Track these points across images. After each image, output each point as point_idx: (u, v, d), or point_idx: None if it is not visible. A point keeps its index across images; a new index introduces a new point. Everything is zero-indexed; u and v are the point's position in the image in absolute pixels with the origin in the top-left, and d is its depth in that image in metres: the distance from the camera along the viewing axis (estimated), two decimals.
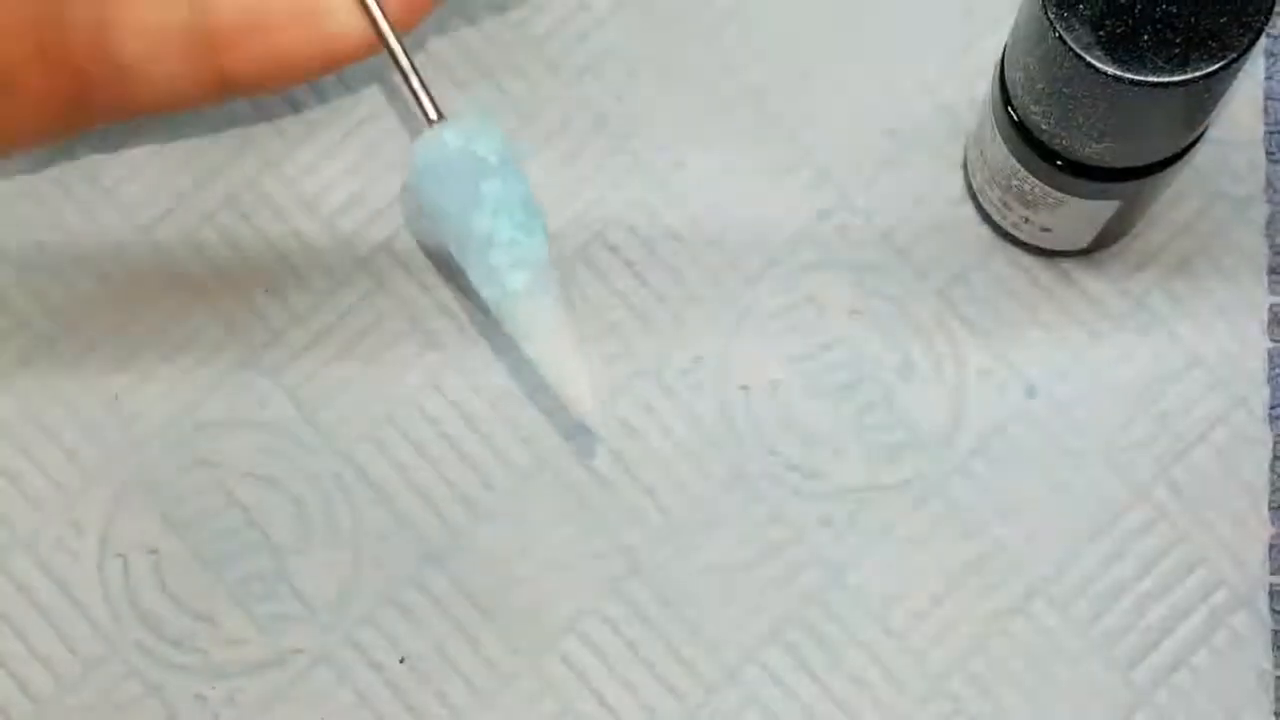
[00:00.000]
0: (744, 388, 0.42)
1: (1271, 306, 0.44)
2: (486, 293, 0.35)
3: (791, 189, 0.44)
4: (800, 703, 0.41)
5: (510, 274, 0.35)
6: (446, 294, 0.42)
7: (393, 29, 0.35)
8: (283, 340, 0.42)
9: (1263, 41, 0.45)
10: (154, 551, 0.41)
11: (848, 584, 0.41)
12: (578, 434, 0.42)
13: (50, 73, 0.35)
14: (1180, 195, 0.44)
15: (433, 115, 0.35)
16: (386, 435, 0.42)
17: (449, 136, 0.35)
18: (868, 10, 0.45)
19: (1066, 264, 0.43)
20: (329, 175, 0.43)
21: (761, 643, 0.41)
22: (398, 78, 0.35)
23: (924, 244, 0.43)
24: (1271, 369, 0.43)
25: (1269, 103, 0.45)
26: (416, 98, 0.35)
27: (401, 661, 0.41)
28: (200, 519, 0.41)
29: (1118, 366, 0.43)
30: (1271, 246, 0.44)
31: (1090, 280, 0.43)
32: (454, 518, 0.41)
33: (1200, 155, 0.44)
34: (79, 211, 0.43)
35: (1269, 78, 0.45)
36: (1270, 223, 0.44)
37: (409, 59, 0.35)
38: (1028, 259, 0.43)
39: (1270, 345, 0.43)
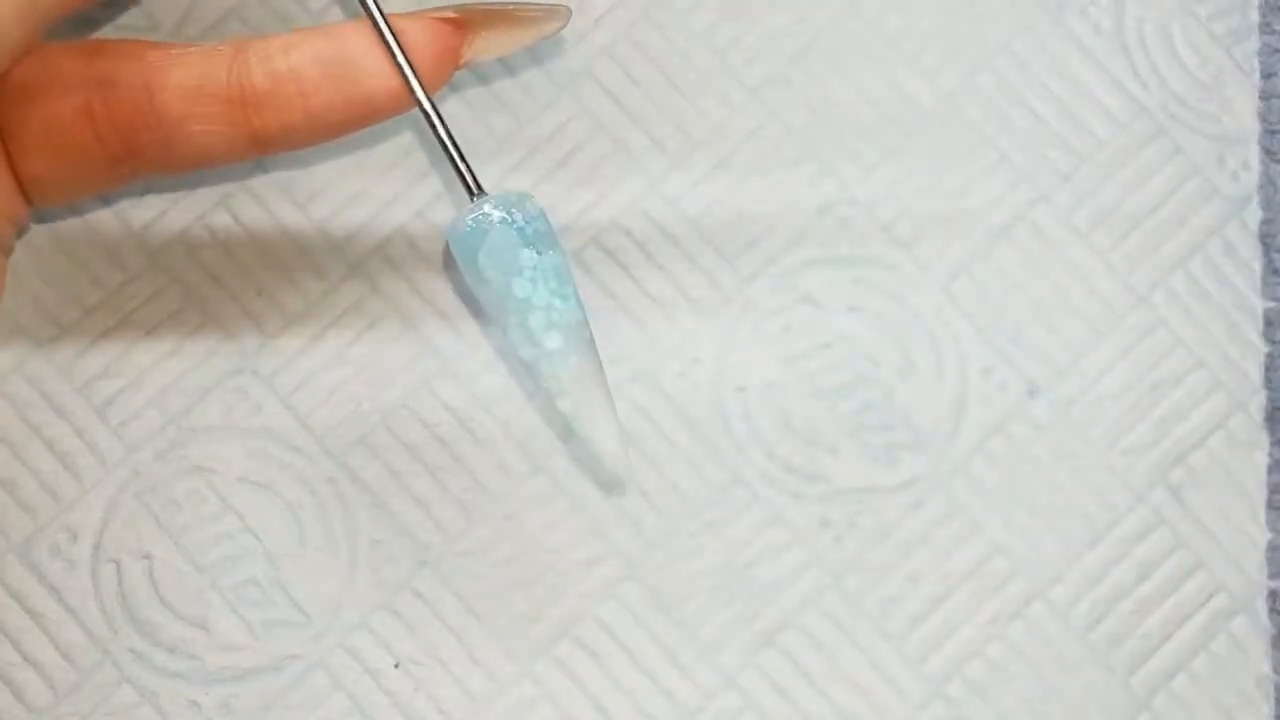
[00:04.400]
0: (741, 389, 0.42)
1: (1266, 310, 0.43)
2: (523, 352, 0.38)
3: (790, 184, 0.43)
4: (798, 707, 0.41)
5: (546, 335, 0.37)
6: (441, 297, 0.42)
7: (431, 101, 0.37)
8: (276, 344, 0.42)
9: (1256, 43, 0.45)
10: (147, 557, 0.41)
11: (846, 587, 0.41)
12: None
13: (98, 132, 0.37)
14: (1177, 190, 0.44)
15: (474, 189, 0.38)
16: (381, 439, 0.41)
17: (489, 208, 0.37)
18: (867, 1, 0.45)
19: (1069, 261, 0.43)
20: (323, 177, 0.43)
21: (759, 647, 0.41)
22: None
23: (925, 239, 0.43)
24: (1268, 373, 0.43)
25: (1265, 101, 0.45)
26: (459, 172, 0.37)
27: (396, 667, 0.40)
28: (194, 524, 0.41)
29: (1120, 367, 0.43)
30: (1265, 250, 0.44)
31: (1094, 277, 0.43)
32: (449, 522, 0.41)
33: (1196, 151, 0.44)
34: (71, 213, 0.42)
35: (1266, 76, 0.45)
36: (1264, 225, 0.44)
37: (450, 136, 0.37)
38: (1029, 255, 0.43)
39: (1267, 349, 0.43)
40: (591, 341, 0.38)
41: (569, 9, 0.40)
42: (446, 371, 0.42)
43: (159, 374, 0.41)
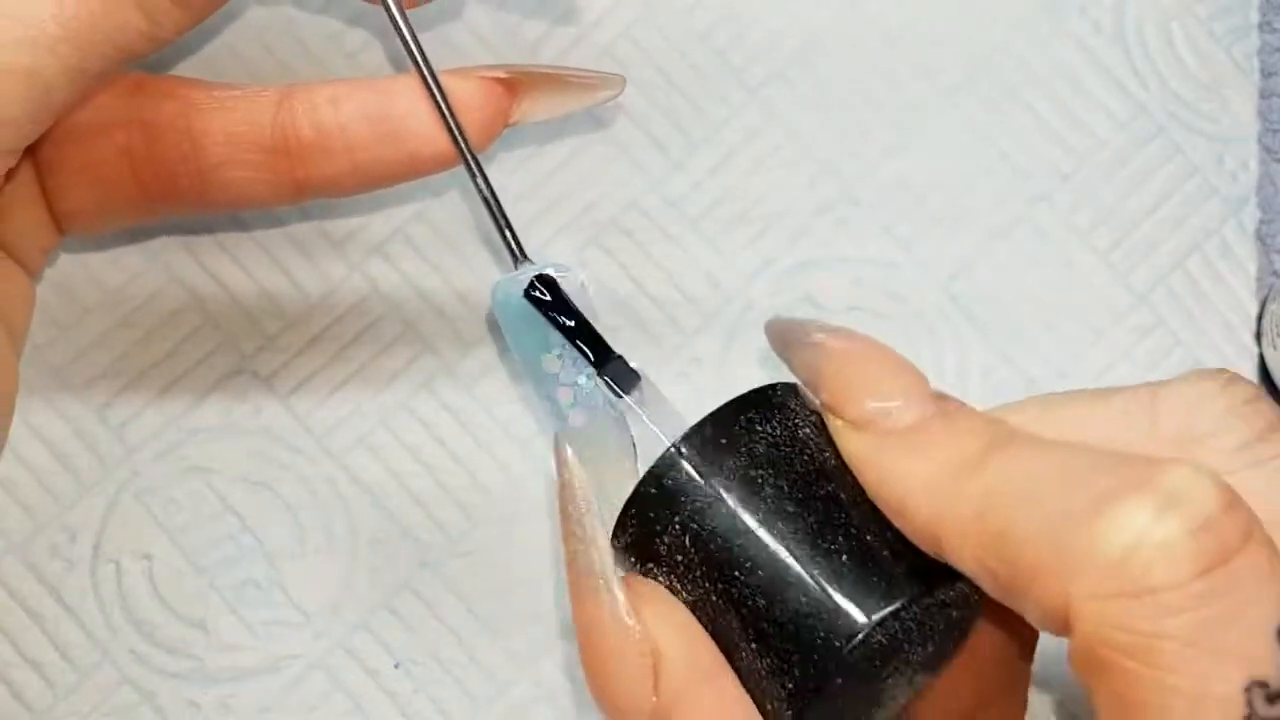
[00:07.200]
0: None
1: (1260, 312, 0.43)
2: (552, 423, 0.37)
3: (790, 184, 0.43)
4: None
5: (571, 412, 0.36)
6: (441, 298, 0.42)
7: (481, 167, 0.36)
8: (276, 345, 0.42)
9: (1256, 41, 0.45)
10: (147, 557, 0.40)
11: None
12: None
13: (136, 172, 0.37)
14: (1176, 190, 0.44)
15: (519, 256, 0.37)
16: (381, 440, 0.41)
17: (527, 280, 0.37)
18: (867, 1, 0.44)
19: (1070, 261, 0.43)
20: None
21: None
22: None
23: (925, 239, 0.43)
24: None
25: (1265, 100, 0.45)
26: (505, 238, 0.37)
27: (396, 667, 0.40)
28: (193, 525, 0.41)
29: (1119, 366, 0.43)
30: (1265, 250, 0.44)
31: (1094, 276, 0.43)
32: (449, 522, 0.41)
33: (1196, 151, 0.44)
34: None
35: (1266, 75, 0.45)
36: (1262, 226, 0.44)
37: (497, 201, 0.36)
38: (1029, 255, 0.43)
39: (1258, 350, 0.43)
40: (622, 420, 0.37)
41: (623, 78, 0.39)
42: (446, 372, 0.42)
43: (159, 374, 0.41)
